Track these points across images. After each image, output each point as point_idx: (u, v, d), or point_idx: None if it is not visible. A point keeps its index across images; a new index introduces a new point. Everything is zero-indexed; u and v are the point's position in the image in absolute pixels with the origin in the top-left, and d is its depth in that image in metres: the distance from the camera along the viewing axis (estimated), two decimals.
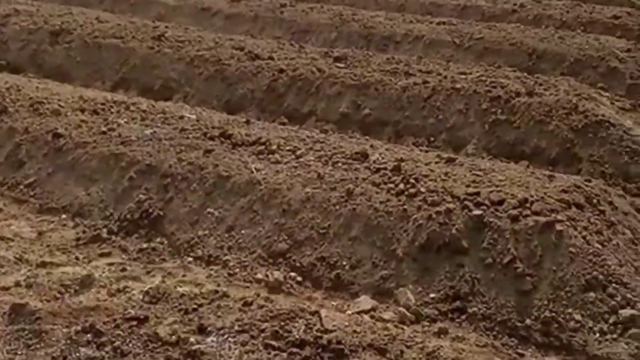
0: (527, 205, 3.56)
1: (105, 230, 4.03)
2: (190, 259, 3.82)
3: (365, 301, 3.41)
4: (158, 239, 3.97)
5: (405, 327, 3.15)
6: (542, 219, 3.46)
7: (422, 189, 3.77)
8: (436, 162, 4.16)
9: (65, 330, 2.90)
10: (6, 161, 4.52)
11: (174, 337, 2.89)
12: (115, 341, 2.85)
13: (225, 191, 4.07)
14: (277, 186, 3.99)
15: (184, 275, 3.59)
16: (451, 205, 3.61)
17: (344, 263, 3.62)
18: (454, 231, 3.51)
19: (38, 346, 2.81)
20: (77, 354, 2.76)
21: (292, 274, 3.64)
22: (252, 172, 4.11)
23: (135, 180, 4.22)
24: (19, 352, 2.77)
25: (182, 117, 4.92)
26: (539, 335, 3.13)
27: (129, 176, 4.24)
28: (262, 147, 4.40)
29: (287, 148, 4.39)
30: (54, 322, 2.94)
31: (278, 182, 4.02)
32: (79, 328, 2.90)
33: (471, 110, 5.57)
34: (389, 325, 3.12)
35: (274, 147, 4.39)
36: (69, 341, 2.84)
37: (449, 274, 3.43)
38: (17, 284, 3.23)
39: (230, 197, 4.04)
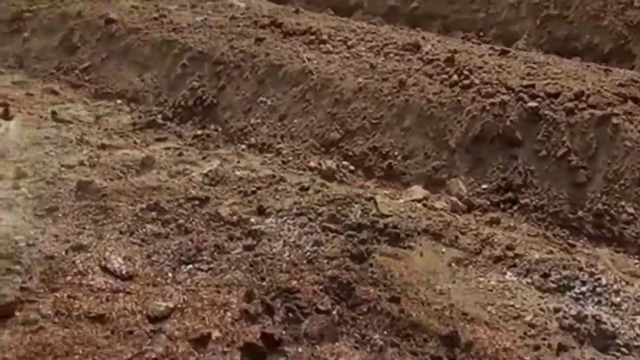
0: (583, 98, 3.52)
1: (160, 116, 4.10)
2: (243, 146, 3.90)
3: (418, 190, 3.47)
4: (212, 126, 4.04)
5: (458, 216, 3.22)
6: (598, 112, 3.43)
7: (476, 81, 3.75)
8: (490, 54, 4.11)
9: (130, 207, 3.01)
10: (60, 45, 4.56)
11: (234, 217, 2.99)
12: (179, 219, 2.96)
13: (277, 80, 4.09)
14: (330, 76, 3.99)
15: (238, 162, 3.66)
16: (506, 97, 3.60)
17: (396, 153, 3.66)
18: (508, 123, 3.51)
19: (105, 222, 2.92)
20: (143, 230, 2.87)
21: (345, 162, 3.70)
22: (304, 61, 4.11)
23: (188, 67, 4.25)
24: (87, 227, 2.88)
25: (231, 5, 4.89)
26: (590, 227, 3.17)
27: (181, 63, 4.27)
28: (313, 37, 4.38)
29: (338, 38, 4.36)
30: (119, 200, 3.05)
31: (330, 72, 4.02)
32: (144, 206, 3.01)
33: (523, 4, 5.43)
34: (443, 212, 3.19)
35: (325, 37, 4.36)
36: (134, 218, 2.94)
37: (501, 165, 3.46)
38: (81, 163, 3.32)
39: (282, 86, 4.07)
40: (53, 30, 4.65)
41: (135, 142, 3.82)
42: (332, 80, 3.97)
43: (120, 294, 2.43)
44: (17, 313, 2.32)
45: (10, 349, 2.15)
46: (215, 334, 2.27)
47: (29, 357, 2.12)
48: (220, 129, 4.02)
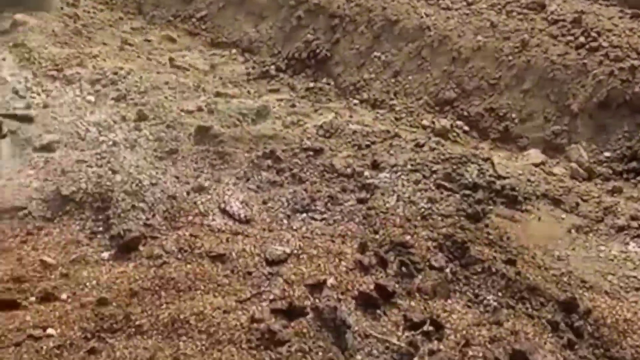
0: None
1: (273, 67, 4.12)
2: (356, 101, 3.87)
3: (535, 155, 3.36)
4: (324, 80, 4.03)
5: (578, 182, 3.10)
6: None
7: (605, 44, 3.57)
8: (620, 17, 3.90)
9: (246, 154, 3.04)
10: None
11: (348, 170, 2.98)
12: (293, 168, 2.97)
13: (392, 35, 4.03)
14: (448, 33, 3.90)
15: (350, 116, 3.64)
16: (636, 62, 3.41)
17: (514, 115, 3.55)
18: (637, 89, 3.33)
19: (222, 167, 2.97)
20: (259, 177, 2.90)
21: (459, 122, 3.62)
22: (422, 17, 4.02)
23: (304, 19, 4.24)
24: (205, 171, 2.94)
25: None
26: None
27: (297, 15, 4.26)
28: None
29: None
30: (236, 146, 3.09)
31: (448, 28, 3.92)
32: (259, 153, 3.04)
33: None
34: (563, 178, 3.08)
35: None
36: (250, 164, 2.98)
37: (627, 133, 3.30)
38: (199, 109, 3.38)
39: (397, 42, 4.00)
40: None
41: (248, 92, 3.85)
42: (450, 37, 3.88)
43: (239, 236, 2.47)
44: (141, 247, 2.40)
45: (135, 280, 2.23)
46: (331, 281, 2.28)
47: (153, 289, 2.19)
48: (332, 82, 4.01)
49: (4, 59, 3.70)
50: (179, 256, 2.34)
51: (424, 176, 2.96)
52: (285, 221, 2.64)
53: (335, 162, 3.02)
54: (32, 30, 3.89)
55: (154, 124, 3.22)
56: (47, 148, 2.94)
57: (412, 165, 3.02)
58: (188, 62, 4.06)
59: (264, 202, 2.74)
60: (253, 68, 4.12)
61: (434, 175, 2.96)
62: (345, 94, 3.92)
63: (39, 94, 3.41)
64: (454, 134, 3.53)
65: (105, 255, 2.39)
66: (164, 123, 3.24)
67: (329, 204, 2.77)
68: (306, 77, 4.05)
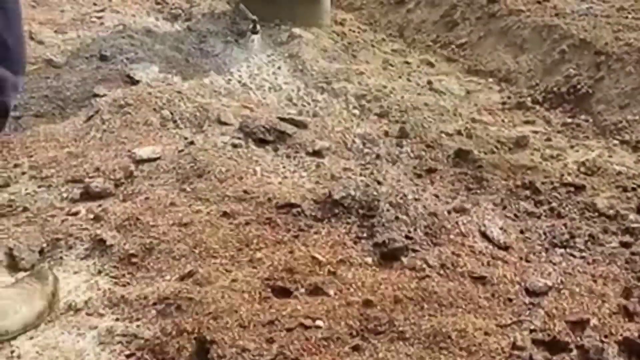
0: None
1: (529, 99, 4.08)
2: (616, 141, 3.72)
3: None
4: (583, 116, 3.91)
5: None
6: None
7: None
8: None
9: (504, 182, 3.06)
10: (441, 20, 4.75)
11: (611, 211, 2.88)
12: (552, 202, 2.93)
13: None
14: None
15: (609, 156, 3.51)
16: None
17: None
18: None
19: (479, 191, 3.01)
20: (517, 206, 2.90)
21: None
22: None
23: (567, 53, 4.16)
24: (461, 193, 3.00)
25: None
26: None
27: (560, 49, 4.19)
28: None
29: None
30: (494, 173, 3.11)
31: None
32: (518, 183, 3.04)
33: None
34: None
35: None
36: (508, 192, 2.99)
37: None
38: (458, 133, 3.44)
39: None
40: (436, 4, 4.86)
41: (503, 121, 3.85)
42: None
43: (499, 261, 2.49)
44: (403, 258, 2.50)
45: (399, 289, 2.32)
46: (594, 321, 2.22)
47: (416, 299, 2.27)
48: (591, 120, 3.88)
49: (279, 68, 4.02)
50: (441, 272, 2.41)
51: None
52: (543, 253, 2.61)
53: (597, 201, 2.94)
54: (306, 44, 4.19)
55: (415, 142, 3.34)
56: (318, 154, 3.16)
57: None
58: (445, 86, 4.15)
59: (522, 232, 2.74)
60: (509, 98, 4.11)
61: None
62: (605, 133, 3.78)
63: (308, 103, 3.67)
64: None
65: (369, 260, 2.52)
66: (423, 142, 3.34)
67: (589, 243, 2.70)
68: (563, 112, 3.96)
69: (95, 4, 4.62)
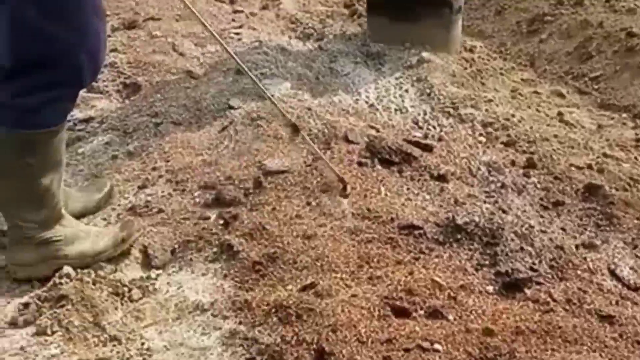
0: None
1: None
2: None
3: None
4: None
5: None
6: None
7: None
8: None
9: (636, 221, 2.95)
10: (575, 51, 4.64)
11: None
12: None
13: None
14: None
15: None
16: None
17: None
18: None
19: (609, 228, 2.91)
20: None
21: None
22: None
23: None
24: (589, 229, 2.91)
25: None
26: None
27: None
28: None
29: None
30: (626, 211, 3.00)
31: None
32: None
33: None
34: None
35: None
36: (637, 232, 2.88)
37: None
38: (589, 167, 3.34)
39: None
40: (570, 35, 4.75)
41: (636, 158, 3.70)
42: None
43: (628, 302, 2.41)
44: (526, 289, 2.46)
45: (521, 320, 2.29)
46: None
47: (539, 333, 2.23)
48: None
49: (406, 91, 4.05)
50: (567, 307, 2.35)
51: None
52: None
53: None
54: (435, 69, 4.19)
55: (542, 173, 3.27)
56: (442, 178, 3.15)
57: None
58: (576, 118, 4.04)
59: None
60: None
61: None
62: None
63: (434, 127, 3.67)
64: None
65: (490, 288, 2.49)
66: (551, 174, 3.27)
67: None
68: None
69: (234, 20, 4.82)
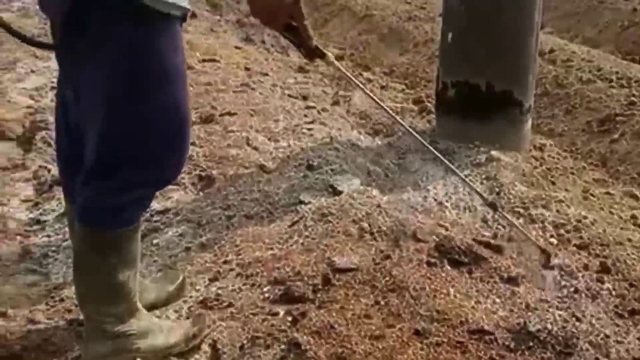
0: None
1: None
2: None
3: None
4: None
5: None
6: None
7: None
8: None
9: None
10: None
11: None
12: None
13: None
14: None
15: None
16: None
17: None
18: None
19: None
20: None
21: None
22: None
23: None
24: None
25: None
26: None
27: None
28: None
29: None
30: None
31: None
32: None
33: None
34: None
35: None
36: None
37: None
38: None
39: None
40: None
41: None
42: None
43: None
44: None
45: None
46: None
47: None
48: None
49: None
50: None
51: None
52: None
53: None
54: (504, 167, 4.20)
55: (617, 279, 3.20)
56: (513, 281, 3.11)
57: None
58: None
59: None
60: None
61: None
62: None
63: (504, 227, 3.65)
64: None
65: None
66: (626, 280, 3.19)
67: None
68: None
69: (306, 116, 4.97)
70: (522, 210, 3.83)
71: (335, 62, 2.84)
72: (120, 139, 2.29)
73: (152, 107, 2.29)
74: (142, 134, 2.31)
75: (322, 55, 2.73)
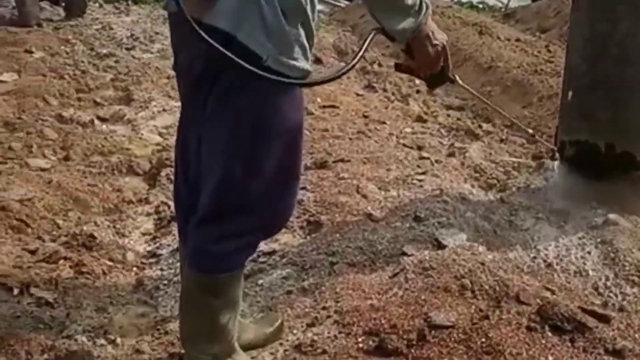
0: None
1: None
2: None
3: None
4: None
5: None
6: None
7: None
8: None
9: None
10: None
11: None
12: None
13: None
14: None
15: None
16: None
17: None
18: None
19: None
20: None
21: None
22: None
23: None
24: None
25: None
26: None
27: None
28: None
29: None
30: None
31: None
32: None
33: None
34: None
35: None
36: None
37: None
38: None
39: None
40: None
41: None
42: None
43: None
44: None
45: None
46: None
47: None
48: None
49: (589, 253, 3.90)
50: None
51: None
52: None
53: None
54: (622, 232, 4.02)
55: None
56: (619, 354, 2.98)
57: None
58: None
59: None
60: None
61: None
62: None
63: (616, 295, 3.50)
64: None
65: None
66: None
67: None
68: None
69: (418, 167, 4.99)
70: (637, 279, 3.65)
71: (462, 83, 3.03)
72: (236, 189, 2.41)
73: (270, 163, 2.41)
74: (258, 187, 2.42)
75: (452, 81, 2.92)
